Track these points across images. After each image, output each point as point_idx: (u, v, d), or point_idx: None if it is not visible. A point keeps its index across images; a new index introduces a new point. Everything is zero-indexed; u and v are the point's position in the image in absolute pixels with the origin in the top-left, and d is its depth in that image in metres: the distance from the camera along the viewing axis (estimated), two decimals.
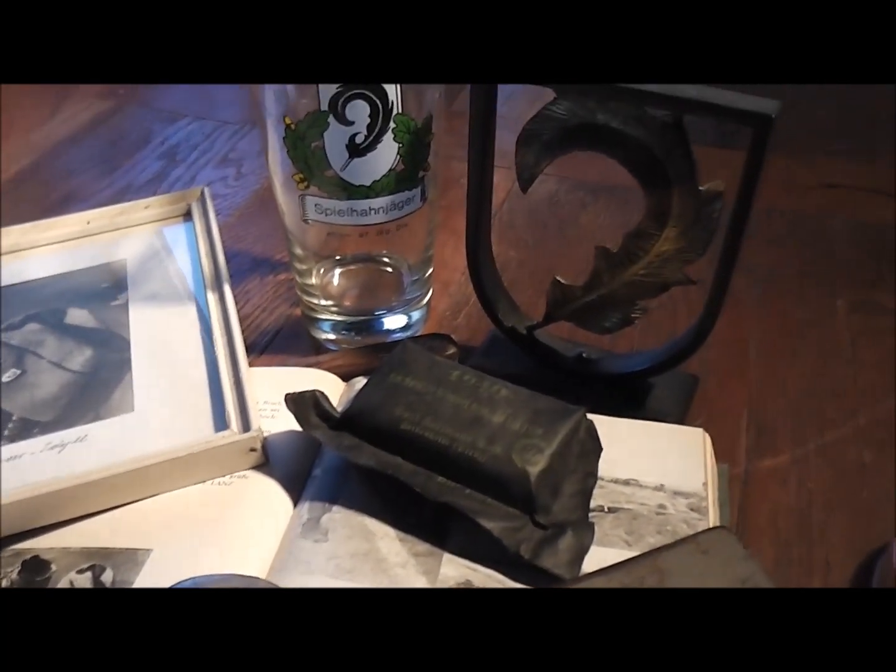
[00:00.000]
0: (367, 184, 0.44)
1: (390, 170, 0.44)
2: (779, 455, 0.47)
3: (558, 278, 0.46)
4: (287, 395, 0.39)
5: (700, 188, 0.40)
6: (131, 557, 0.36)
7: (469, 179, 0.44)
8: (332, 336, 0.52)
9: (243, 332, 0.52)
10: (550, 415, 0.40)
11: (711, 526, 0.39)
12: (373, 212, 0.45)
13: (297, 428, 0.40)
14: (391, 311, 0.52)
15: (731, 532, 0.36)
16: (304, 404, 0.40)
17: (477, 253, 0.47)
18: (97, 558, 0.36)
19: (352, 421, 0.39)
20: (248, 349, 0.52)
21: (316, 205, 0.45)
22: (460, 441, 0.38)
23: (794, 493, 0.45)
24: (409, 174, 0.45)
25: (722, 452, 0.47)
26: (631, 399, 0.48)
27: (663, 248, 0.43)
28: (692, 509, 0.39)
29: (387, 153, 0.43)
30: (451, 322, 0.56)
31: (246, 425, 0.39)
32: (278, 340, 0.53)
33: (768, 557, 0.42)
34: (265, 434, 0.41)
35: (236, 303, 0.53)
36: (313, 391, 0.40)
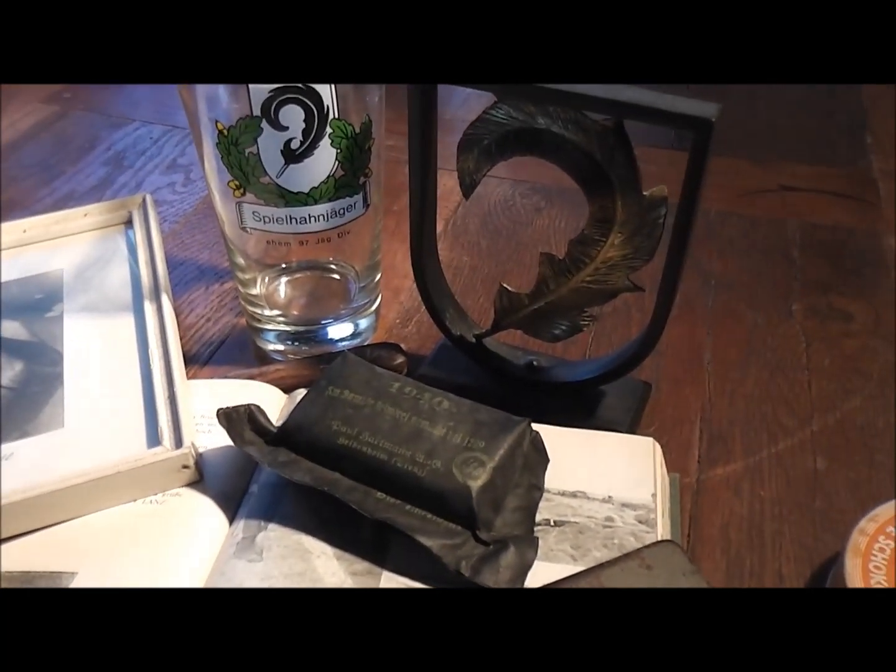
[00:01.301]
0: (306, 191, 0.43)
1: (329, 176, 0.43)
2: (731, 463, 0.47)
3: (505, 286, 0.46)
4: (219, 410, 0.38)
5: (644, 193, 0.40)
6: (55, 580, 0.34)
7: (410, 184, 0.43)
8: (277, 346, 0.51)
9: (186, 342, 0.51)
10: (493, 427, 0.38)
11: (660, 538, 0.38)
12: (312, 219, 0.44)
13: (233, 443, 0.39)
14: (338, 319, 0.50)
15: (678, 546, 0.36)
16: (237, 420, 0.38)
17: (422, 259, 0.46)
18: (18, 583, 0.34)
19: (288, 436, 0.38)
20: (191, 360, 0.50)
21: (254, 212, 0.44)
22: (399, 455, 0.37)
23: (746, 502, 0.44)
24: (349, 180, 0.44)
25: (673, 461, 0.46)
26: (582, 407, 0.48)
27: (609, 254, 0.42)
28: (640, 521, 0.39)
29: (324, 159, 0.42)
30: (401, 330, 0.55)
31: (179, 441, 0.38)
32: (222, 351, 0.52)
33: (720, 568, 0.41)
34: (202, 450, 0.40)
35: (180, 313, 0.52)
36: (248, 405, 0.39)
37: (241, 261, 0.49)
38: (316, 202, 0.43)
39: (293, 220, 0.43)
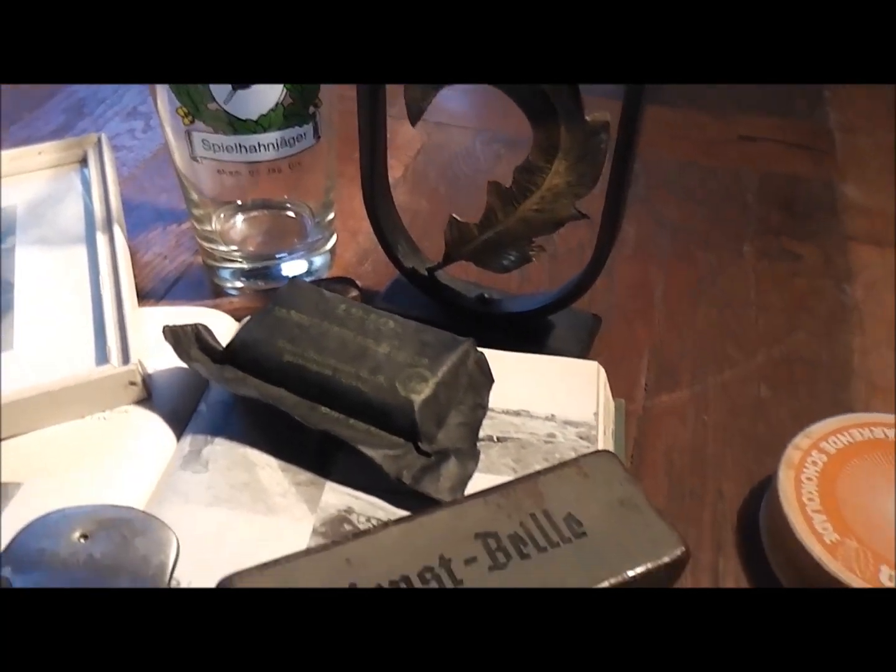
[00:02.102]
0: (254, 118, 0.43)
1: (278, 104, 0.43)
2: (677, 391, 0.48)
3: (455, 216, 0.46)
4: (165, 327, 0.38)
5: (586, 118, 0.40)
6: None
7: (359, 111, 0.43)
8: (232, 283, 0.51)
9: (143, 279, 0.52)
10: (437, 346, 0.39)
11: None
12: (262, 148, 0.44)
13: (185, 365, 0.40)
14: (292, 255, 0.51)
15: (615, 456, 0.36)
16: (184, 337, 0.39)
17: (373, 190, 0.46)
18: None
19: (235, 354, 0.39)
20: (147, 296, 0.51)
21: (203, 140, 0.44)
22: (344, 372, 0.38)
23: (690, 428, 0.45)
24: (298, 109, 0.44)
25: (621, 389, 0.47)
26: (532, 339, 0.48)
27: (554, 181, 0.42)
28: (581, 437, 0.39)
29: (272, 86, 0.42)
30: (357, 269, 0.55)
31: (126, 359, 0.38)
32: (179, 288, 0.52)
33: (662, 489, 0.42)
34: (152, 371, 0.40)
35: (137, 251, 0.53)
36: (195, 324, 0.39)
37: (195, 196, 0.49)
38: (265, 130, 0.44)
39: (242, 149, 0.44)
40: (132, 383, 0.38)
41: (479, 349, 0.41)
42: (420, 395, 0.37)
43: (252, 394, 0.37)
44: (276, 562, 0.31)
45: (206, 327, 0.39)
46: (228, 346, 0.39)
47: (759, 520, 0.40)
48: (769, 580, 0.38)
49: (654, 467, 0.43)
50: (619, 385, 0.47)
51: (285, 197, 0.52)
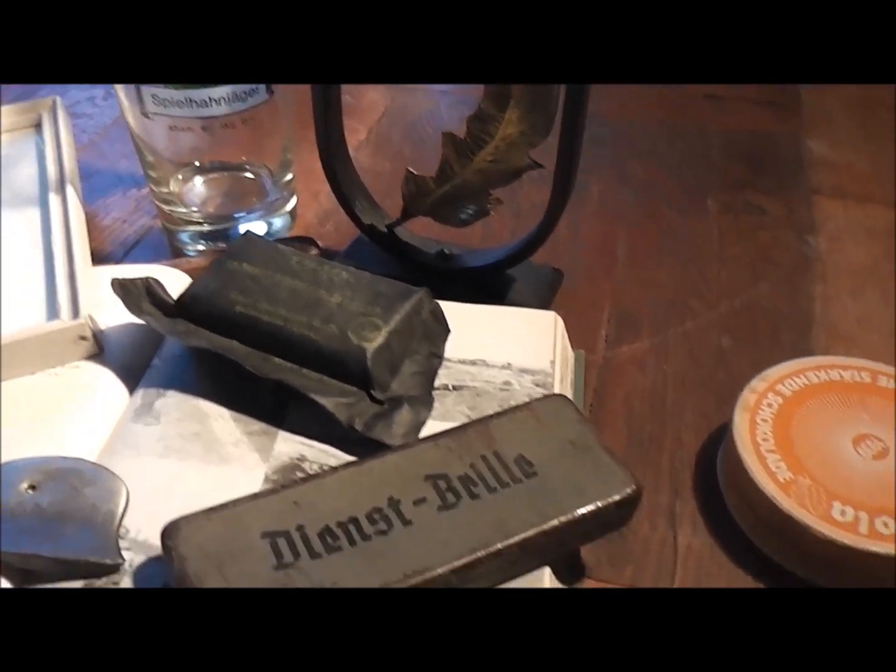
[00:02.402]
0: None
1: None
2: (638, 342, 0.48)
3: (411, 170, 0.46)
4: (114, 279, 0.38)
5: None
6: None
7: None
8: (192, 245, 0.51)
9: (101, 242, 0.51)
10: (390, 295, 0.39)
11: None
12: (213, 102, 0.44)
13: (139, 321, 0.39)
14: (250, 214, 0.51)
15: (568, 399, 0.36)
16: (134, 291, 0.38)
17: (328, 143, 0.46)
18: None
19: (186, 307, 0.39)
20: (106, 259, 0.51)
21: (153, 95, 0.44)
22: (295, 321, 0.37)
23: (650, 377, 0.45)
24: None
25: (581, 341, 0.47)
26: (492, 294, 0.48)
27: (507, 131, 0.42)
28: (537, 385, 0.39)
29: None
30: (319, 230, 0.55)
31: (76, 314, 0.38)
32: (138, 251, 0.52)
33: (621, 436, 0.42)
34: (105, 328, 0.40)
35: (95, 216, 0.52)
36: (146, 278, 0.39)
37: (150, 157, 0.48)
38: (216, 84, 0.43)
39: (193, 104, 0.44)
40: (82, 338, 0.37)
41: (437, 301, 0.41)
42: (372, 343, 0.37)
43: (203, 344, 0.37)
44: (223, 506, 0.31)
45: (157, 281, 0.39)
46: (180, 298, 0.39)
47: (716, 464, 0.41)
48: (726, 522, 0.38)
49: (614, 415, 0.43)
50: (581, 337, 0.47)
51: (243, 158, 0.51)
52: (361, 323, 0.37)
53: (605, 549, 0.37)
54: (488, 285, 0.49)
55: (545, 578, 0.32)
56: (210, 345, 0.37)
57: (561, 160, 0.42)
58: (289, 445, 0.36)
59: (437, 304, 0.41)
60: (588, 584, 0.36)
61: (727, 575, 0.36)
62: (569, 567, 0.36)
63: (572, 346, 0.45)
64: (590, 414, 0.43)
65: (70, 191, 0.45)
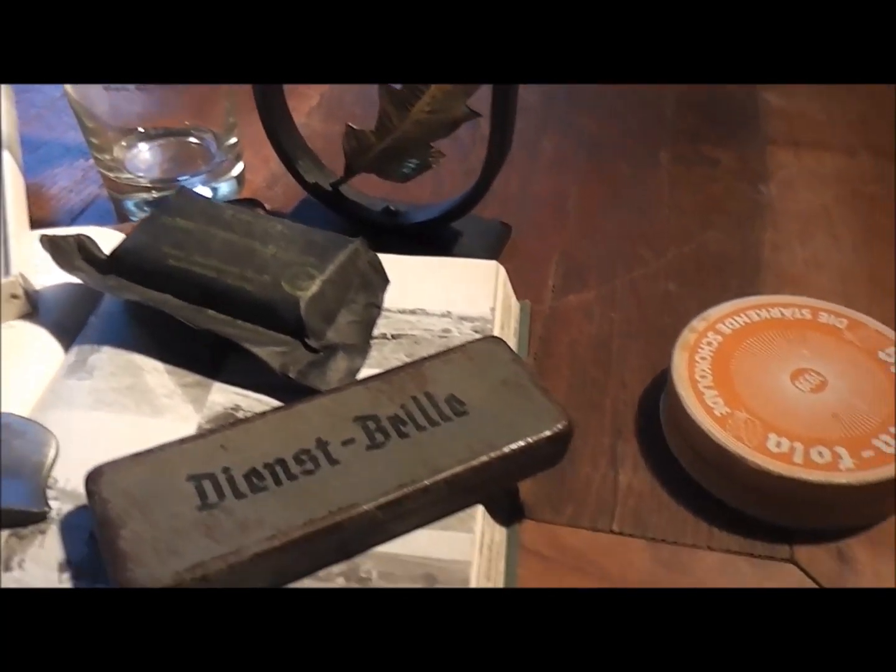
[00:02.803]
0: None
1: None
2: (585, 292, 0.47)
3: (351, 125, 0.46)
4: (43, 236, 0.38)
5: None
6: None
7: None
8: (137, 212, 0.51)
9: (47, 211, 0.51)
10: (325, 245, 0.39)
11: None
12: None
13: (75, 280, 0.39)
14: (195, 178, 0.50)
15: (502, 340, 0.36)
16: (66, 247, 0.38)
17: (267, 103, 0.46)
18: None
19: (118, 262, 0.38)
20: (51, 226, 0.50)
21: None
22: (228, 272, 0.37)
23: (596, 324, 0.45)
24: None
25: (528, 292, 0.47)
26: (440, 249, 0.48)
27: None
28: (476, 332, 0.39)
29: None
30: (267, 193, 0.55)
31: (7, 272, 0.38)
32: (84, 218, 0.52)
33: (564, 381, 0.42)
34: (40, 288, 0.40)
35: (42, 185, 0.52)
36: (77, 235, 0.39)
37: (90, 123, 0.48)
38: None
39: None
40: (14, 296, 0.37)
41: (377, 253, 0.41)
42: (306, 291, 0.37)
43: (136, 298, 0.37)
44: (149, 451, 0.31)
45: (89, 237, 0.39)
46: (112, 254, 0.39)
47: (659, 405, 0.41)
48: (667, 461, 0.38)
49: (558, 360, 0.43)
50: (528, 289, 0.47)
51: (186, 123, 0.51)
52: (295, 272, 0.37)
53: (545, 489, 0.37)
54: (436, 241, 0.49)
55: (478, 517, 0.32)
56: (143, 298, 0.37)
57: (495, 110, 0.42)
58: (223, 396, 0.36)
59: (375, 254, 0.41)
60: (527, 524, 0.36)
61: (667, 512, 0.36)
62: (508, 507, 0.36)
63: (520, 298, 0.45)
64: (534, 362, 0.43)
65: (6, 155, 0.45)
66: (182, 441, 0.31)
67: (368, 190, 0.51)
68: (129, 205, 0.51)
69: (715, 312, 0.41)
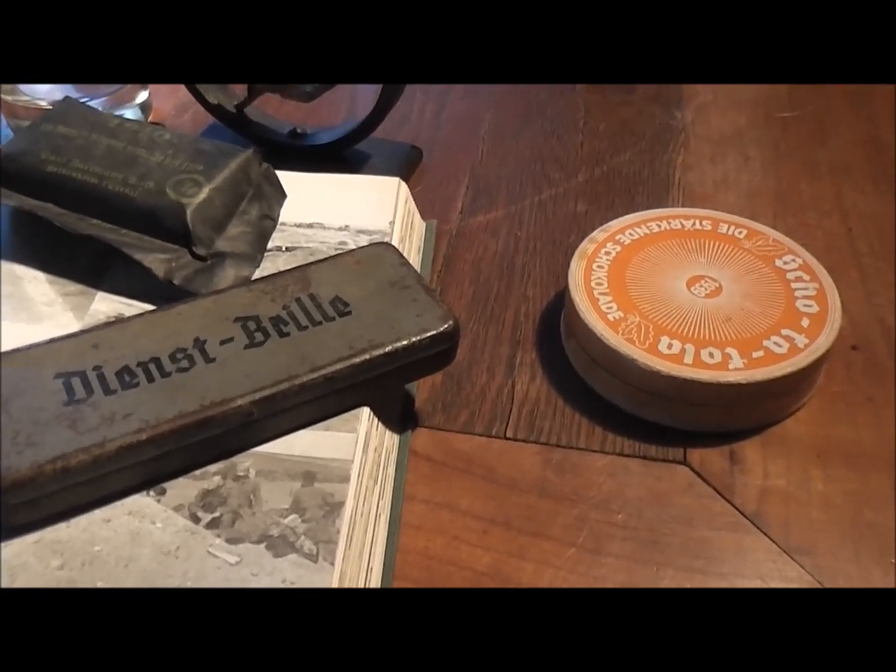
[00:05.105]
0: None
1: None
2: (493, 212, 0.47)
3: None
4: None
5: None
6: None
7: None
8: None
9: None
10: (214, 154, 0.38)
11: None
12: None
13: None
14: (94, 101, 0.49)
15: (392, 245, 0.36)
16: None
17: None
18: None
19: None
20: None
21: None
22: (110, 179, 0.36)
23: (502, 242, 0.45)
24: None
25: (436, 213, 0.46)
26: (349, 171, 0.47)
27: None
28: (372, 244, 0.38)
29: None
30: (175, 120, 0.53)
31: None
32: None
33: (466, 296, 0.42)
34: None
35: None
36: None
37: None
38: None
39: None
40: None
41: (282, 172, 0.40)
42: (193, 199, 0.36)
43: (13, 203, 0.36)
44: (16, 349, 0.30)
45: None
46: None
47: (560, 318, 0.40)
48: (564, 369, 0.38)
49: (461, 276, 0.43)
50: (437, 210, 0.47)
51: None
52: (181, 180, 0.36)
53: (441, 398, 0.37)
54: (345, 163, 0.48)
55: (363, 418, 0.32)
56: (20, 204, 0.36)
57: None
58: (107, 304, 0.35)
59: (270, 167, 0.40)
60: (420, 431, 0.35)
61: (561, 418, 0.36)
62: (402, 415, 0.36)
63: (429, 219, 0.45)
64: (437, 279, 0.42)
65: None
66: (52, 340, 0.30)
67: (284, 117, 0.50)
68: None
69: (616, 224, 0.41)
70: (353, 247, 0.38)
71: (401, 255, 0.35)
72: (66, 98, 0.40)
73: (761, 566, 0.31)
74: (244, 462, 0.30)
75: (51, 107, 0.48)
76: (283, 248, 0.38)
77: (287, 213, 0.40)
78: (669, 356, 0.35)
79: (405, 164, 0.49)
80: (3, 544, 0.26)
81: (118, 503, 0.28)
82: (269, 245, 0.38)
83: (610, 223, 0.41)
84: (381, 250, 0.35)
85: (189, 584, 0.26)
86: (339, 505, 0.28)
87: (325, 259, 0.35)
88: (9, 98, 0.49)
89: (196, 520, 0.28)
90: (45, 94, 0.49)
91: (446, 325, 0.32)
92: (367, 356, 0.31)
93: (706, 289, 0.38)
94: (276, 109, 0.51)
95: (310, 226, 0.40)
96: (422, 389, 0.37)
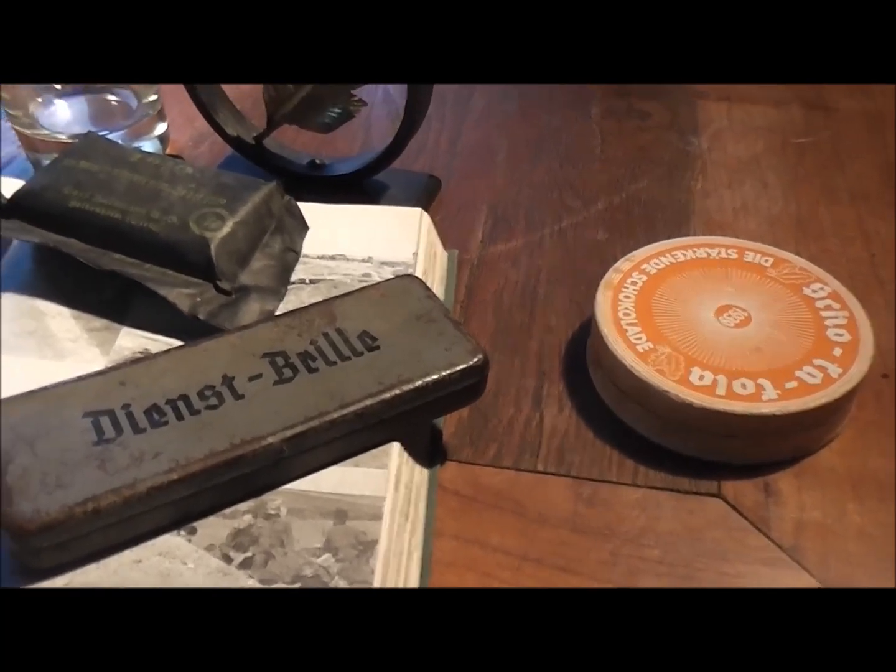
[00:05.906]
0: None
1: None
2: (513, 241, 0.47)
3: None
4: None
5: None
6: None
7: None
8: None
9: None
10: (237, 188, 0.38)
11: None
12: None
13: None
14: (114, 134, 0.49)
15: (417, 277, 0.35)
16: None
17: None
18: None
19: (19, 205, 0.37)
20: None
21: None
22: (133, 213, 0.36)
23: (523, 271, 0.45)
24: None
25: (456, 242, 0.46)
26: (367, 202, 0.47)
27: None
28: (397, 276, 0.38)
29: None
30: (193, 151, 0.53)
31: None
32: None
33: (489, 326, 0.41)
34: None
35: None
36: None
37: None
38: None
39: None
40: None
41: (303, 204, 0.40)
42: (216, 233, 0.36)
43: (36, 240, 0.35)
44: (44, 388, 0.30)
45: None
46: (12, 197, 0.37)
47: (586, 349, 0.40)
48: (592, 401, 0.38)
49: (483, 306, 0.42)
50: (457, 239, 0.46)
51: None
52: (204, 214, 0.36)
53: (468, 431, 0.36)
54: (364, 194, 0.48)
55: (393, 454, 0.31)
56: (44, 240, 0.35)
57: None
58: (132, 340, 0.35)
59: (292, 199, 0.40)
60: (448, 465, 0.35)
61: (591, 451, 0.36)
62: (430, 450, 0.35)
63: (449, 248, 0.45)
64: (460, 309, 0.42)
65: None
66: (80, 378, 0.30)
67: (300, 146, 0.50)
68: (47, 162, 0.49)
69: (641, 253, 0.41)
70: (378, 279, 0.38)
71: (427, 288, 0.35)
72: (89, 133, 0.40)
73: None
74: (274, 500, 0.29)
75: (69, 140, 0.48)
76: (307, 281, 0.38)
77: (309, 246, 0.40)
78: (701, 387, 0.34)
79: (424, 194, 0.49)
80: (32, 588, 0.26)
81: (148, 543, 0.27)
82: (293, 278, 0.38)
83: (634, 252, 0.41)
84: (407, 283, 0.35)
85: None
86: (373, 543, 0.28)
87: (351, 293, 0.34)
88: (28, 132, 0.49)
89: (228, 560, 0.27)
90: (63, 127, 0.49)
91: (475, 360, 0.32)
92: (396, 391, 0.30)
93: (735, 319, 0.37)
94: (293, 140, 0.50)
95: (332, 258, 0.39)
96: (449, 423, 0.36)
